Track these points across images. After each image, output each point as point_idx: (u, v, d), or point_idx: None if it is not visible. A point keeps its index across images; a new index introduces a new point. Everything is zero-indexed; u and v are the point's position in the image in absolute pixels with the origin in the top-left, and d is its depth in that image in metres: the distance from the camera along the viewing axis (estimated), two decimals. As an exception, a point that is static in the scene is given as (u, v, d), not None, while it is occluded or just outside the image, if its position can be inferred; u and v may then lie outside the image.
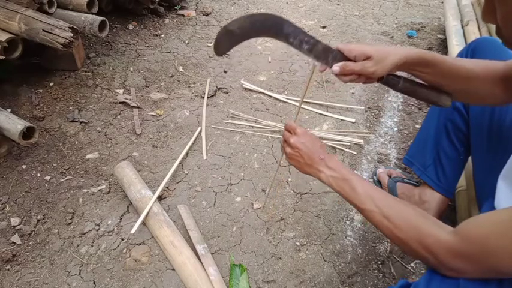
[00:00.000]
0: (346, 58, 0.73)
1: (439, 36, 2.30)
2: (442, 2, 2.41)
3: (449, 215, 1.19)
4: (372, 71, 0.70)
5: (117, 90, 1.78)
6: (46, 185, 1.33)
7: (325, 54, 0.74)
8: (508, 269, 0.50)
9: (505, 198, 0.68)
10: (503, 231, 0.50)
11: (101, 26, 1.68)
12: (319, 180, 0.80)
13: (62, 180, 1.35)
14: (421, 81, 0.79)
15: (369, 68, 0.70)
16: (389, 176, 1.31)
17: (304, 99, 1.76)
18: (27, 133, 1.30)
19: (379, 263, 1.12)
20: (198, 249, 1.09)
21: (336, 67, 0.72)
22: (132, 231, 1.14)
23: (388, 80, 0.77)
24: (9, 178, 1.35)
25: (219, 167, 1.43)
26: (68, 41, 1.45)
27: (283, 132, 0.88)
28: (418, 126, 1.64)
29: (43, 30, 1.45)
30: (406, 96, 1.82)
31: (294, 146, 0.83)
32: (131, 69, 1.93)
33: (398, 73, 0.77)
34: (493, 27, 1.69)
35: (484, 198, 0.88)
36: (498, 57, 0.92)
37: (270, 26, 0.74)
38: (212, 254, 1.12)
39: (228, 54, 2.10)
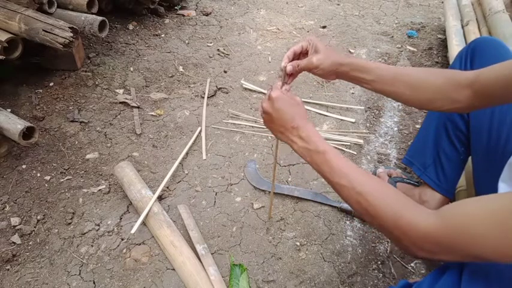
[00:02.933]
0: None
1: (439, 36, 2.30)
2: (442, 2, 2.41)
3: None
4: (316, 64, 0.83)
5: (117, 90, 1.78)
6: (46, 185, 1.33)
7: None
8: (488, 255, 0.49)
9: None
10: (490, 217, 0.49)
11: (101, 26, 1.68)
12: (292, 149, 0.75)
13: (62, 180, 1.35)
14: None
15: (314, 61, 0.83)
16: (390, 176, 1.31)
17: (304, 100, 1.76)
18: (27, 133, 1.30)
19: (379, 263, 1.12)
20: (198, 249, 1.09)
21: (290, 66, 0.85)
22: (132, 231, 1.14)
23: None
24: (9, 178, 1.35)
25: (219, 167, 1.43)
26: (68, 41, 1.45)
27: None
28: (418, 126, 1.64)
29: (43, 30, 1.45)
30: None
31: (266, 111, 0.78)
32: (131, 69, 1.93)
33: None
34: (492, 27, 1.69)
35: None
36: (497, 57, 0.92)
37: None
38: (212, 254, 1.12)
39: (228, 54, 2.10)
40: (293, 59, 0.89)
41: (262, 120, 0.83)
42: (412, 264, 1.12)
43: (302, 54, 0.89)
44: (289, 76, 0.87)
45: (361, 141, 1.54)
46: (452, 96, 0.78)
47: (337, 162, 0.68)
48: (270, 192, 1.32)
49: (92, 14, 1.70)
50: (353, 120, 1.65)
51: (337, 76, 0.87)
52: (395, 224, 0.59)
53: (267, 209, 1.27)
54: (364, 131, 1.61)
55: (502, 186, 0.70)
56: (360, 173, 0.67)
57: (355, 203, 0.65)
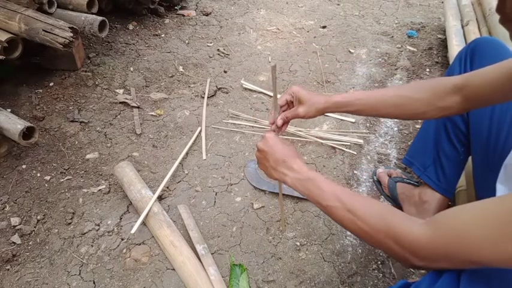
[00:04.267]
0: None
1: (439, 36, 2.30)
2: (442, 2, 2.41)
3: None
4: (303, 114, 0.91)
5: (117, 90, 1.78)
6: (46, 185, 1.33)
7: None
8: (486, 260, 0.49)
9: None
10: (482, 221, 0.50)
11: (101, 26, 1.68)
12: (285, 184, 0.80)
13: (62, 180, 1.35)
14: None
15: (300, 112, 0.91)
16: (390, 176, 1.31)
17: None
18: (27, 133, 1.30)
19: (379, 263, 1.12)
20: (198, 249, 1.09)
21: (280, 120, 0.94)
22: (132, 231, 1.14)
23: None
24: (9, 178, 1.35)
25: (219, 167, 1.43)
26: (68, 41, 1.45)
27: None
28: (418, 126, 1.63)
29: (43, 30, 1.45)
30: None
31: (260, 149, 0.85)
32: (131, 69, 1.93)
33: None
34: (492, 27, 1.69)
35: (484, 198, 0.87)
36: (497, 57, 0.92)
37: None
38: (212, 254, 1.12)
39: (228, 54, 2.10)
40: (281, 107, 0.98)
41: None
42: (412, 264, 1.12)
43: (288, 103, 0.97)
44: (281, 127, 0.96)
45: (361, 141, 1.54)
46: (441, 105, 0.82)
47: (326, 185, 0.72)
48: (269, 192, 1.32)
49: (92, 14, 1.70)
50: (353, 120, 1.65)
51: (325, 113, 0.96)
52: (387, 235, 0.60)
53: (267, 209, 1.27)
54: (364, 131, 1.61)
55: (499, 188, 0.70)
56: (348, 192, 0.70)
57: (348, 221, 0.67)
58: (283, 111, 0.96)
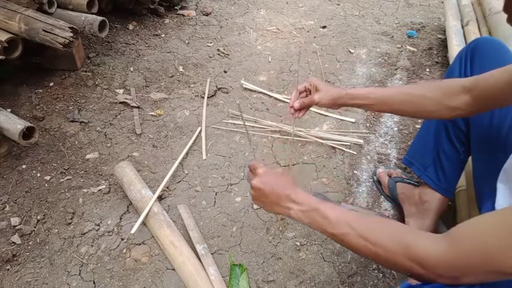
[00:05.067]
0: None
1: (439, 36, 2.30)
2: (442, 2, 2.41)
3: (449, 215, 1.19)
4: (317, 100, 0.97)
5: (117, 90, 1.78)
6: (46, 185, 1.33)
7: None
8: (510, 268, 0.48)
9: (504, 199, 0.68)
10: (503, 230, 0.49)
11: (101, 26, 1.68)
12: (289, 217, 0.76)
13: (62, 180, 1.35)
14: None
15: (315, 99, 0.98)
16: (390, 176, 1.31)
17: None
18: (27, 133, 1.30)
19: (379, 263, 1.13)
20: (198, 249, 1.09)
21: (297, 103, 1.01)
22: (132, 231, 1.14)
23: None
24: (9, 178, 1.35)
25: (219, 167, 1.43)
26: (68, 41, 1.45)
27: (248, 172, 0.86)
28: (418, 126, 1.63)
29: (43, 30, 1.45)
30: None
31: (256, 187, 0.80)
32: (131, 69, 1.93)
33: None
34: (492, 27, 1.69)
35: (484, 198, 0.87)
36: (497, 57, 0.93)
37: None
38: (212, 254, 1.12)
39: (228, 54, 2.10)
40: (299, 94, 1.04)
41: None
42: (412, 264, 1.12)
43: (306, 91, 1.03)
44: (299, 111, 1.02)
45: (361, 141, 1.54)
46: (451, 105, 0.83)
47: (333, 213, 0.69)
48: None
49: (92, 14, 1.70)
50: (353, 120, 1.65)
51: (338, 106, 1.00)
52: (407, 256, 0.58)
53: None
54: (364, 131, 1.61)
55: (500, 187, 0.70)
56: (356, 216, 0.68)
57: (362, 247, 0.64)
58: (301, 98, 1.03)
